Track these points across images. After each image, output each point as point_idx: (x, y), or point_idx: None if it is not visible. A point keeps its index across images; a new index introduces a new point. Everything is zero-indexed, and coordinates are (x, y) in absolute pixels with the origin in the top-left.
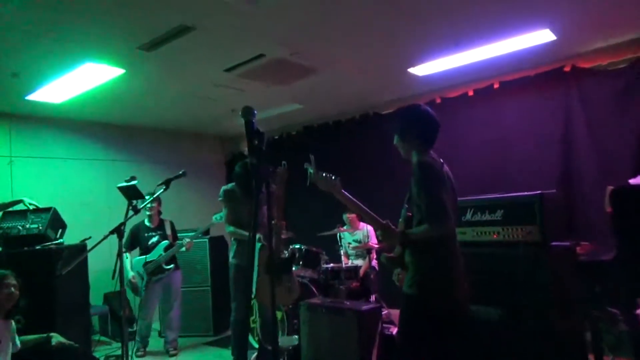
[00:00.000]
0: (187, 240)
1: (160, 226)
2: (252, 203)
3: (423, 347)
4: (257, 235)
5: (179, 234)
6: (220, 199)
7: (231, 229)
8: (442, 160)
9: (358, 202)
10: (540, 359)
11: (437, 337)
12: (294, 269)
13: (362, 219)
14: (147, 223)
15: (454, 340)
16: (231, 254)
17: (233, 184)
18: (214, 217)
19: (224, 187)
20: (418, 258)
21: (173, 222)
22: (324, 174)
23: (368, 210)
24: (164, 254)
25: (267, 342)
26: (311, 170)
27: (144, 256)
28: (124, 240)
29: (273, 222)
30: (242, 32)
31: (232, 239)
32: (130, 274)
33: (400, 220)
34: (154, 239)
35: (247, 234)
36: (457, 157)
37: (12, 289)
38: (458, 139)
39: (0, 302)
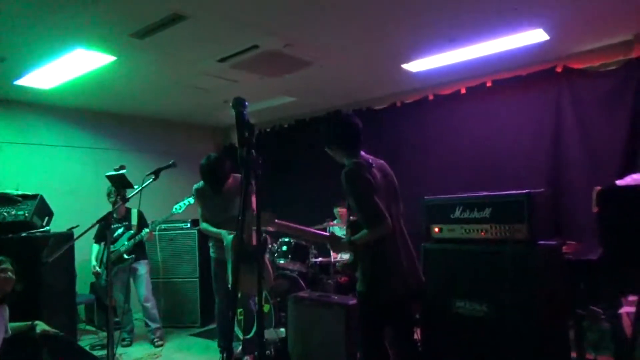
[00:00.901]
0: (147, 231)
1: (126, 217)
2: (220, 197)
3: (374, 336)
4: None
5: (166, 224)
6: (192, 196)
7: (204, 226)
8: (371, 161)
9: (296, 226)
10: (524, 356)
11: (382, 324)
12: (268, 256)
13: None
14: (114, 214)
15: (399, 325)
16: (211, 249)
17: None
18: (174, 208)
19: (195, 186)
20: (361, 259)
21: (142, 211)
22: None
23: (309, 230)
24: (127, 243)
25: (246, 333)
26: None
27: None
28: (95, 232)
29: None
30: (236, 22)
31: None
32: (92, 263)
33: (337, 219)
34: (119, 231)
35: (219, 231)
36: (448, 154)
37: (10, 273)
38: (450, 136)
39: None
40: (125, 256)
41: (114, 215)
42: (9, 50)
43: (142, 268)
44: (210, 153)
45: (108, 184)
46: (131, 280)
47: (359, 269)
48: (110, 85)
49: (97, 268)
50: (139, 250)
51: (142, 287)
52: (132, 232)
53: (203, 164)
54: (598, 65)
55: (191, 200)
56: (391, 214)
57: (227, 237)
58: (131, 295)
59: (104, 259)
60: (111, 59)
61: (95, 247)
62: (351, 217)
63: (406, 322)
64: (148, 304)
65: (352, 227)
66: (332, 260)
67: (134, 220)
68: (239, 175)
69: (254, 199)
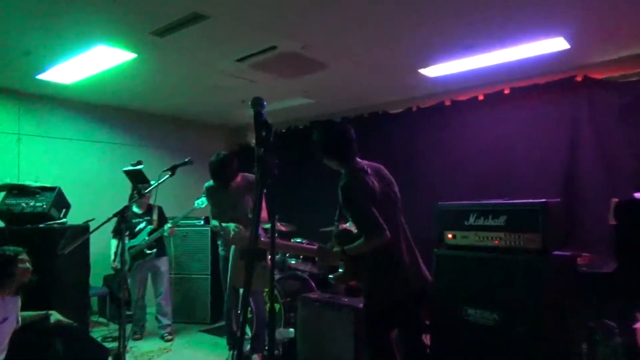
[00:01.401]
0: (169, 226)
1: (148, 212)
2: (228, 195)
3: (379, 340)
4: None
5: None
6: (203, 194)
7: (214, 223)
8: (366, 167)
9: (282, 242)
10: None
11: (387, 328)
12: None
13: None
14: (135, 209)
15: (405, 327)
16: (219, 247)
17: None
18: (195, 203)
19: (206, 184)
20: (363, 270)
21: (162, 207)
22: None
23: (294, 244)
24: (147, 238)
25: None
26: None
27: (129, 241)
28: (113, 226)
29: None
30: (255, 23)
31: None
32: (112, 259)
33: (333, 236)
34: (141, 225)
35: (227, 225)
36: (463, 160)
37: (27, 264)
38: (466, 142)
39: (18, 279)
40: (147, 251)
41: (136, 210)
42: (33, 44)
43: (163, 265)
44: (221, 151)
45: (125, 178)
46: (149, 275)
47: (363, 279)
48: (130, 82)
49: (117, 263)
50: (159, 246)
51: (162, 284)
52: (152, 227)
53: (212, 161)
54: (618, 76)
55: None
56: (391, 219)
57: (233, 229)
58: (147, 291)
59: (125, 255)
60: (132, 56)
61: (114, 242)
62: (340, 226)
63: (412, 324)
64: (164, 301)
65: (339, 237)
66: (318, 272)
67: (155, 216)
68: (248, 174)
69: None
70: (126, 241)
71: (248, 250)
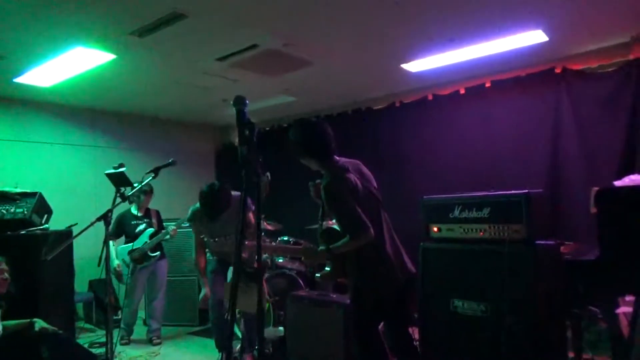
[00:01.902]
0: (173, 227)
1: (147, 214)
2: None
3: (368, 335)
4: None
5: (165, 223)
6: (187, 219)
7: (194, 262)
8: (346, 165)
9: (267, 245)
10: (522, 355)
11: (374, 322)
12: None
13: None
14: (133, 211)
15: (392, 321)
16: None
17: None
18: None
19: (191, 208)
20: (349, 267)
21: (159, 211)
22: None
23: (280, 246)
24: (149, 241)
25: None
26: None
27: (130, 244)
28: (110, 227)
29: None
30: (236, 21)
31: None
32: (115, 262)
33: (319, 234)
34: (141, 227)
35: (202, 291)
36: (447, 154)
37: (6, 274)
38: (448, 136)
39: None
40: (150, 254)
41: (135, 212)
42: (9, 47)
43: (163, 268)
44: (214, 182)
45: (107, 182)
46: (147, 278)
47: (347, 276)
48: (110, 84)
49: (121, 267)
50: (160, 249)
51: (159, 287)
52: (153, 229)
53: (205, 192)
54: (596, 67)
55: None
56: (373, 215)
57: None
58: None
59: (126, 258)
60: (111, 57)
61: (113, 244)
62: (324, 224)
63: (399, 316)
64: (158, 305)
65: (326, 234)
66: (305, 270)
67: (154, 219)
68: (237, 193)
69: (251, 216)
70: (123, 245)
71: (240, 270)
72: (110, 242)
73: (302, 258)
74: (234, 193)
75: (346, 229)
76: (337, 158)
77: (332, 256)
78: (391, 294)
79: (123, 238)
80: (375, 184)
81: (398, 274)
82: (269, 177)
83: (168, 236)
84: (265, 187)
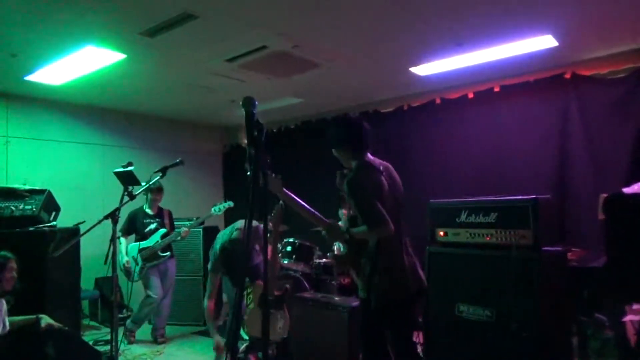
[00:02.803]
0: (185, 229)
1: (159, 214)
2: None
3: (375, 340)
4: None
5: (177, 223)
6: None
7: (205, 307)
8: (378, 165)
9: (301, 202)
10: None
11: (382, 328)
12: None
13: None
14: (146, 209)
15: (398, 328)
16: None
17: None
18: (213, 209)
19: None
20: (364, 265)
21: (171, 211)
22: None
23: (312, 211)
24: (160, 241)
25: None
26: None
27: (140, 242)
28: (120, 224)
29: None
30: (245, 22)
31: None
32: (124, 258)
33: (341, 220)
34: (152, 226)
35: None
36: (454, 158)
37: (14, 272)
38: (455, 140)
39: (3, 285)
40: (160, 253)
41: (147, 210)
42: (21, 46)
43: (172, 267)
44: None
45: (116, 180)
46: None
47: (361, 274)
48: (120, 83)
49: (130, 264)
50: (170, 248)
51: (169, 286)
52: (164, 230)
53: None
54: (606, 73)
55: (231, 203)
56: (392, 219)
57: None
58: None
59: (136, 256)
60: (121, 56)
61: (123, 240)
62: (352, 212)
63: (405, 324)
64: (167, 303)
65: (352, 221)
66: (311, 272)
67: (167, 219)
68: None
69: (270, 249)
70: (134, 243)
71: (264, 299)
72: (122, 239)
73: (324, 233)
74: (255, 223)
75: (366, 220)
76: (371, 157)
77: (349, 241)
78: (401, 301)
79: (134, 236)
80: (401, 190)
81: (410, 282)
82: (283, 206)
83: (179, 237)
84: (279, 213)
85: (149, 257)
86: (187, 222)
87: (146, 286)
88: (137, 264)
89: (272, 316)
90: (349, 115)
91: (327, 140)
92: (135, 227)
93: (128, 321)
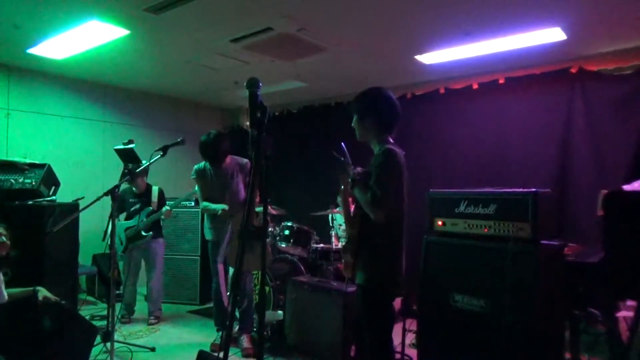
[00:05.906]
0: (167, 208)
1: (146, 193)
2: (218, 177)
3: (378, 326)
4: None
5: (168, 202)
6: (192, 177)
7: (204, 204)
8: (401, 153)
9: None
10: (518, 353)
11: (385, 314)
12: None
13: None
14: (133, 189)
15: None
16: (206, 231)
17: (204, 162)
18: (196, 187)
19: (195, 166)
20: (363, 250)
21: (162, 189)
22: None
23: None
24: (145, 220)
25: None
26: (343, 160)
27: (127, 221)
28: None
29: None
30: (252, 3)
31: (207, 215)
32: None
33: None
34: (136, 206)
35: (218, 207)
36: (456, 148)
37: (3, 237)
38: (458, 130)
39: None
40: (143, 233)
41: (133, 190)
42: (24, 18)
43: (159, 247)
44: (212, 130)
45: (116, 157)
46: (142, 258)
47: (360, 260)
48: (123, 60)
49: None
50: (156, 228)
51: (155, 267)
52: (150, 208)
53: (203, 139)
54: (613, 69)
55: None
56: (403, 214)
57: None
58: (141, 273)
59: (122, 235)
60: (125, 32)
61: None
62: (358, 169)
63: (386, 315)
64: (155, 285)
65: (361, 175)
66: (333, 247)
67: (154, 198)
68: (238, 157)
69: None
70: (122, 222)
71: (243, 230)
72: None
73: (340, 170)
74: (235, 157)
75: (375, 193)
76: (392, 142)
77: (352, 189)
78: (392, 292)
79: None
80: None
81: (400, 281)
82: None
83: (162, 216)
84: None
85: (132, 237)
86: (185, 202)
87: (124, 268)
88: (122, 243)
89: (253, 248)
90: (383, 89)
91: (355, 106)
92: (123, 205)
93: (122, 304)
